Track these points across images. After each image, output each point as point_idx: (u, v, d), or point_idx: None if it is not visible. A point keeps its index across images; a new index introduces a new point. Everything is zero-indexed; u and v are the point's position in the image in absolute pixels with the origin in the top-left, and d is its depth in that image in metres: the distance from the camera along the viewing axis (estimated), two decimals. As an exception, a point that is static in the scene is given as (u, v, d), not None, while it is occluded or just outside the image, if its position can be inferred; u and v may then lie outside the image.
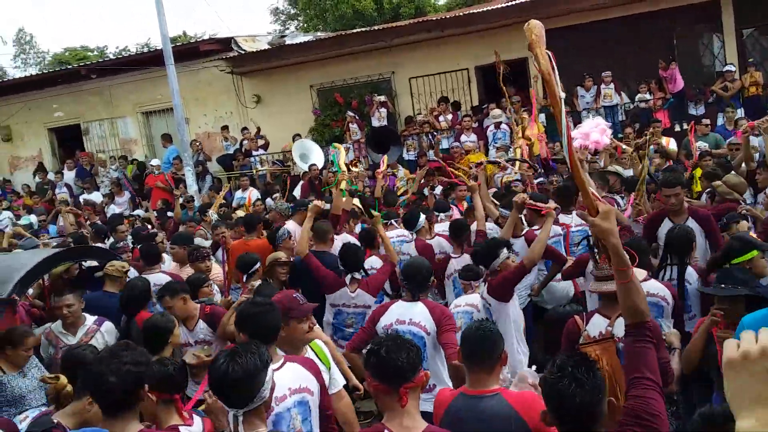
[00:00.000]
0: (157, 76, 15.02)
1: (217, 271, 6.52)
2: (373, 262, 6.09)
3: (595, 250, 3.48)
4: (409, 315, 4.35)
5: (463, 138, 12.42)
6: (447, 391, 3.12)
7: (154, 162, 14.36)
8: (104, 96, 16.96)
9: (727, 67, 12.21)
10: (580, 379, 2.26)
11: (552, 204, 5.70)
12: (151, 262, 6.30)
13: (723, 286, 3.64)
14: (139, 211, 12.48)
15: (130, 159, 16.11)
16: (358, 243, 6.13)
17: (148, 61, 15.72)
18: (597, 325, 3.66)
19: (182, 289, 4.91)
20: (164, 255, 7.12)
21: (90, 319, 5.03)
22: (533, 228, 6.05)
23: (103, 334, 4.96)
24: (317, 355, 3.54)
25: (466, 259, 5.70)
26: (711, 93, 12.14)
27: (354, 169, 11.03)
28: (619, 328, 3.35)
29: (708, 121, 10.65)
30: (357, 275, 5.38)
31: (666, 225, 5.39)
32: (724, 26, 12.92)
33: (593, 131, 7.25)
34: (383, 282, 5.58)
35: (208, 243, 7.39)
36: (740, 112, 11.26)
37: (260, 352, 2.60)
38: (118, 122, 17.08)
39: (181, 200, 11.41)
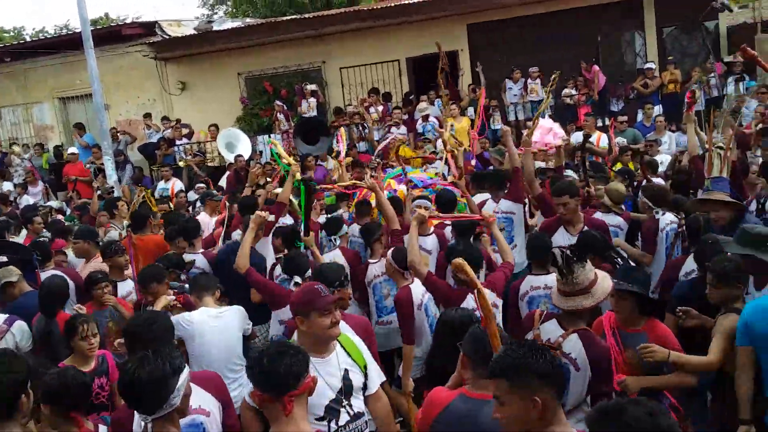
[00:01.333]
0: (76, 60, 14.39)
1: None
2: (336, 256, 5.68)
3: (564, 265, 3.42)
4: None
5: (393, 130, 12.37)
6: (443, 392, 2.89)
7: (72, 150, 13.71)
8: (19, 80, 16.13)
9: (647, 65, 12.62)
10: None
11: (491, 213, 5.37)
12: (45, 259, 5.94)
13: (621, 282, 3.64)
14: (52, 203, 11.88)
15: (45, 147, 15.36)
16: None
17: (66, 44, 15.05)
18: (549, 332, 3.54)
19: None
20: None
21: (0, 318, 4.72)
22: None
23: (14, 334, 4.64)
24: (348, 353, 3.24)
25: (383, 263, 5.14)
26: (632, 89, 12.51)
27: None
28: (569, 345, 3.39)
29: (625, 118, 10.92)
30: (299, 279, 4.84)
31: (560, 233, 5.31)
32: (646, 24, 13.35)
33: (545, 135, 7.64)
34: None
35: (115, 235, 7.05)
36: (658, 109, 11.64)
37: (172, 357, 2.58)
38: (34, 108, 16.27)
39: (99, 191, 10.91)
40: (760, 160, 7.19)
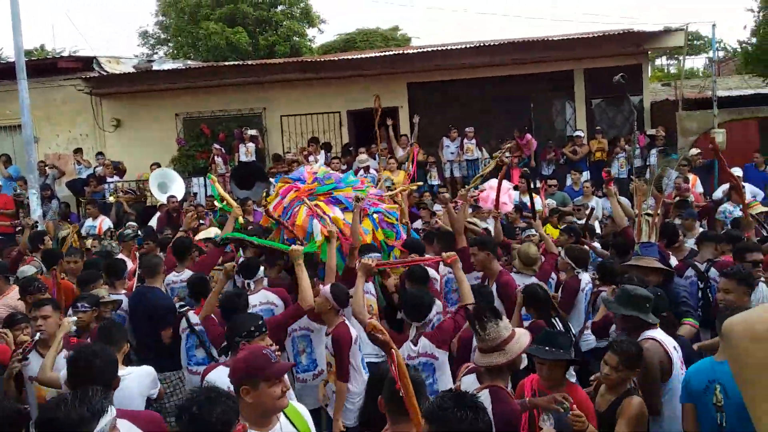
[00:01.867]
0: (6, 89, 13.92)
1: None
2: (265, 297, 5.53)
3: (476, 322, 3.46)
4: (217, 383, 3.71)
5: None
6: None
7: (-7, 182, 13.15)
8: (-59, 106, 15.44)
9: (576, 133, 13.24)
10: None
11: (451, 253, 5.25)
12: None
13: (547, 348, 3.64)
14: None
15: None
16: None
17: (-3, 72, 14.55)
18: (467, 384, 3.59)
19: None
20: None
21: None
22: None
23: None
24: (293, 424, 2.99)
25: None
26: (561, 155, 13.06)
27: (217, 204, 10.69)
28: (482, 398, 3.39)
29: (555, 181, 11.40)
30: None
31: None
32: (576, 95, 14.06)
33: (503, 194, 8.01)
34: (280, 323, 4.88)
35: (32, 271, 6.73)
36: (586, 175, 12.16)
37: (93, 400, 2.45)
38: (-43, 136, 15.57)
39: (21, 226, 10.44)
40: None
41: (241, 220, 6.06)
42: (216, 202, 7.10)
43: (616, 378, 3.72)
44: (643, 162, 12.70)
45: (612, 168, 12.47)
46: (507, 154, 12.83)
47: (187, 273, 6.22)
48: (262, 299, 5.53)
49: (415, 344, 4.42)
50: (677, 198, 9.57)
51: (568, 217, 9.33)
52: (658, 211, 6.29)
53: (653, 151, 12.53)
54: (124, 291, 5.99)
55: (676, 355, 4.00)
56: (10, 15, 12.02)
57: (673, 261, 6.23)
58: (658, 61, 26.41)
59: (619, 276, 5.55)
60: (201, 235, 8.04)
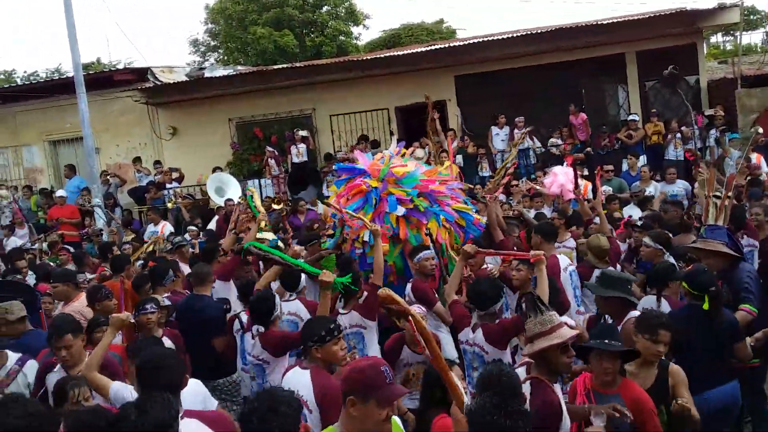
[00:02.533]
0: (66, 103, 14.48)
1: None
2: (296, 308, 5.55)
3: (531, 308, 3.47)
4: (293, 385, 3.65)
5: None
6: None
7: (60, 193, 13.70)
8: (9, 123, 16.19)
9: (631, 116, 12.92)
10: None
11: (539, 252, 5.02)
12: None
13: (607, 341, 3.61)
14: (39, 245, 11.81)
15: (35, 189, 15.34)
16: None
17: (58, 88, 15.17)
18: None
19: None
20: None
21: (12, 358, 4.66)
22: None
23: (26, 374, 4.60)
24: None
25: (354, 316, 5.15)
26: (616, 140, 12.77)
27: (276, 206, 10.88)
28: (525, 390, 3.35)
29: (611, 167, 11.15)
30: (262, 328, 4.84)
31: None
32: (629, 78, 13.72)
33: (564, 182, 8.31)
34: (281, 340, 4.79)
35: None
36: (642, 159, 11.88)
37: (170, 404, 2.57)
38: (23, 150, 16.29)
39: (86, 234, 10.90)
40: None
41: (262, 225, 6.15)
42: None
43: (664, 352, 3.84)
44: (702, 143, 12.31)
45: (668, 151, 12.15)
46: (558, 140, 12.76)
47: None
48: (291, 309, 5.53)
49: (473, 332, 4.50)
50: (748, 177, 9.24)
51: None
52: (729, 194, 6.07)
53: (712, 132, 12.13)
54: (166, 296, 5.91)
55: None
56: (67, 32, 12.54)
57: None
58: (713, 39, 25.55)
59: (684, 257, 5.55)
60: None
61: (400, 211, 6.22)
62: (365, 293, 5.16)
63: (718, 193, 6.10)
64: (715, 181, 6.33)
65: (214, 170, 13.43)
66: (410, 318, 2.87)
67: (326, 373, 3.78)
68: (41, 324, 5.26)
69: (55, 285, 6.37)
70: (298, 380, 3.69)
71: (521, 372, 3.57)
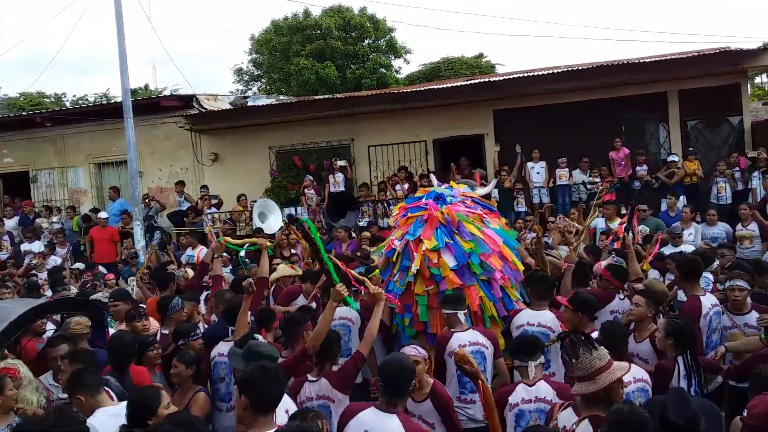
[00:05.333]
0: (113, 127, 14.92)
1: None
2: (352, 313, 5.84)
3: (569, 350, 3.46)
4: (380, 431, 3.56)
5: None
6: None
7: (101, 215, 14.04)
8: (57, 144, 16.73)
9: (671, 157, 12.72)
10: None
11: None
12: None
13: None
14: (79, 264, 12.11)
15: (78, 210, 15.76)
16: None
17: (105, 112, 15.64)
18: (564, 419, 3.56)
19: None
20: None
21: None
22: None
23: None
24: None
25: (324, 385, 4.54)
26: (656, 179, 12.60)
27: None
28: (582, 429, 3.37)
29: (645, 206, 10.92)
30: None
31: None
32: (670, 117, 13.58)
33: None
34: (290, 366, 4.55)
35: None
36: (683, 200, 11.69)
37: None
38: (69, 172, 16.78)
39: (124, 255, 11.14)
40: None
41: (271, 250, 6.26)
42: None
43: None
44: (745, 185, 12.06)
45: (711, 193, 11.94)
46: (596, 179, 12.63)
47: None
48: (343, 314, 5.76)
49: (531, 385, 4.19)
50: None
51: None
52: None
53: (755, 174, 11.89)
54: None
55: None
56: (118, 59, 12.97)
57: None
58: (757, 79, 25.18)
59: None
60: (275, 275, 7.90)
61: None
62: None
63: None
64: None
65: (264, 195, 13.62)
66: (479, 382, 2.98)
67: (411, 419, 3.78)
68: (105, 341, 5.41)
69: (115, 303, 6.54)
70: (386, 426, 3.54)
71: (567, 414, 3.53)
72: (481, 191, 6.97)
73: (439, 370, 4.90)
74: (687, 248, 9.14)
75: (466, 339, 4.93)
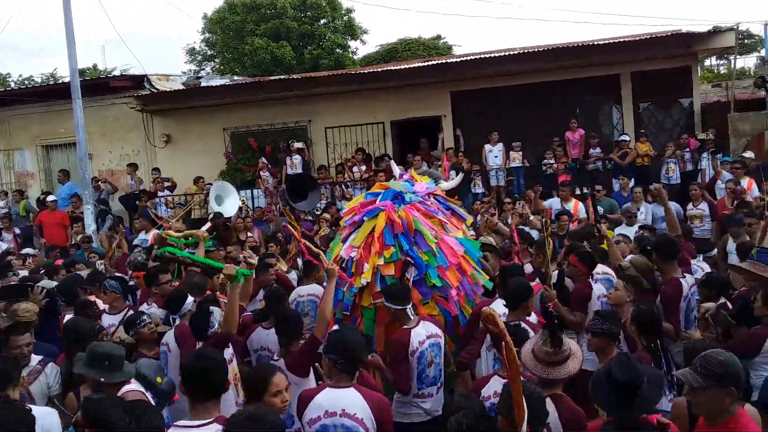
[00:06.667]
0: (61, 108, 14.46)
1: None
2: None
3: (552, 337, 3.56)
4: (340, 405, 3.59)
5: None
6: None
7: (50, 198, 13.62)
8: (2, 126, 16.15)
9: (622, 137, 12.97)
10: None
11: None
12: None
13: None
14: (28, 249, 11.74)
15: (26, 194, 15.26)
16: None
17: (53, 93, 15.13)
18: None
19: None
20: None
21: (34, 359, 4.70)
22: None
23: (47, 375, 4.65)
24: None
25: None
26: (608, 161, 12.82)
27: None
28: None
29: (600, 187, 11.13)
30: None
31: None
32: (623, 99, 13.80)
33: None
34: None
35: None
36: (633, 181, 11.89)
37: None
38: (15, 154, 16.22)
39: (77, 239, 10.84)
40: None
41: (210, 242, 6.21)
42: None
43: None
44: (694, 166, 12.37)
45: (661, 173, 12.20)
46: (551, 160, 12.78)
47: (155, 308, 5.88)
48: (310, 291, 6.00)
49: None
50: (736, 202, 9.28)
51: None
52: None
53: (704, 155, 12.19)
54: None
55: None
56: (66, 37, 12.51)
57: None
58: (707, 62, 25.75)
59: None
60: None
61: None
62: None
63: None
64: None
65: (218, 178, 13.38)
66: (503, 344, 3.04)
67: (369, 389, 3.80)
68: (59, 327, 5.27)
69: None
70: (345, 399, 3.59)
71: None
72: (446, 185, 6.65)
73: (399, 370, 4.67)
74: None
75: (423, 333, 4.76)
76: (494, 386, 3.94)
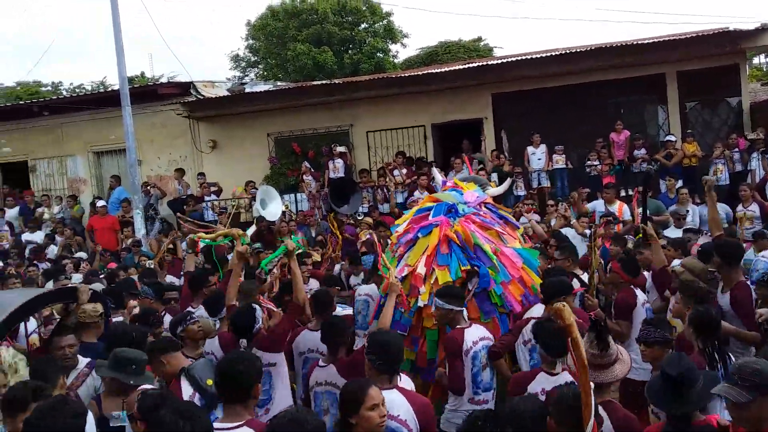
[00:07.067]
0: (111, 116, 14.89)
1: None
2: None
3: (600, 340, 3.53)
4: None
5: (416, 194, 12.51)
6: None
7: (100, 203, 14.05)
8: (55, 133, 16.69)
9: (668, 137, 12.73)
10: None
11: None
12: None
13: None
14: (81, 254, 12.14)
15: (78, 199, 15.76)
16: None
17: (103, 100, 15.60)
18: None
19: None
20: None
21: (82, 362, 4.77)
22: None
23: (95, 378, 4.69)
24: None
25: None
26: (655, 161, 12.60)
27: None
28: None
29: (643, 188, 10.87)
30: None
31: None
32: (669, 99, 13.55)
33: None
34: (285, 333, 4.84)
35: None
36: (681, 182, 11.68)
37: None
38: (68, 161, 16.76)
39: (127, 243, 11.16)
40: None
41: (245, 239, 6.29)
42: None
43: None
44: (744, 166, 12.07)
45: (709, 174, 11.94)
46: (595, 162, 12.62)
47: (202, 309, 5.78)
48: (365, 290, 6.34)
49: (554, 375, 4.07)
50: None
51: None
52: None
53: (754, 155, 11.89)
54: None
55: None
56: (115, 46, 12.90)
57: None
58: (756, 60, 25.07)
59: None
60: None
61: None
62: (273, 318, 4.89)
63: None
64: None
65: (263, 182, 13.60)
66: (570, 341, 3.00)
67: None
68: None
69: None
70: (392, 401, 3.53)
71: None
72: (493, 191, 6.51)
73: (454, 368, 4.63)
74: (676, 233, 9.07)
75: (476, 335, 4.72)
76: (542, 383, 3.91)
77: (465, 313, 4.79)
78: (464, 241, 5.24)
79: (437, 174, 7.55)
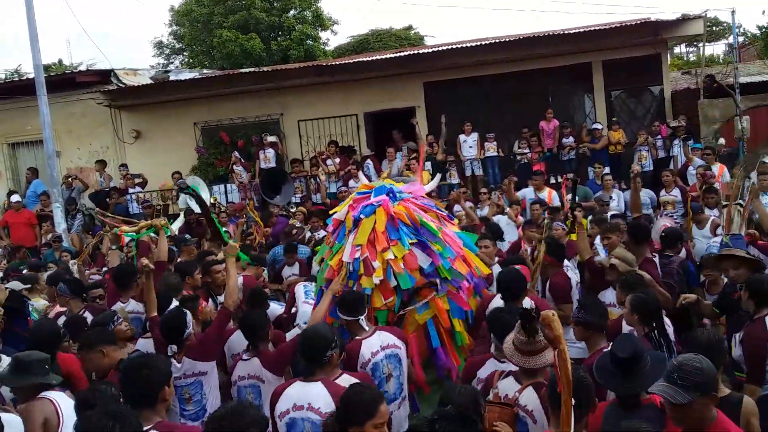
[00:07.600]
0: (26, 105, 14.11)
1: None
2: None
3: (529, 327, 3.51)
4: (307, 398, 3.59)
5: (351, 183, 12.39)
6: None
7: (14, 198, 13.31)
8: (-35, 124, 15.72)
9: (594, 125, 13.07)
10: None
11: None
12: None
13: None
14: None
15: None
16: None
17: (17, 89, 14.76)
18: (507, 388, 3.64)
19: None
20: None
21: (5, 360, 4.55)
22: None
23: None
24: None
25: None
26: (581, 146, 12.90)
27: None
28: (525, 398, 3.50)
29: (572, 175, 11.18)
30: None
31: None
32: (595, 88, 13.89)
33: None
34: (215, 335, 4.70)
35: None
36: (606, 169, 11.99)
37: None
38: (-20, 153, 15.82)
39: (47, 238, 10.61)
40: None
41: (168, 230, 6.18)
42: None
43: None
44: (666, 153, 12.52)
45: (633, 161, 12.31)
46: (525, 150, 12.81)
47: (133, 304, 5.75)
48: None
49: (502, 361, 4.10)
50: (703, 186, 9.38)
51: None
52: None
53: (676, 142, 12.34)
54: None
55: None
56: (28, 33, 12.21)
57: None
58: (677, 50, 26.08)
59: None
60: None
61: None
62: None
63: (741, 202, 6.14)
64: (739, 190, 6.39)
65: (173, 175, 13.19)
66: (556, 352, 2.86)
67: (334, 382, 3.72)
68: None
69: None
70: (311, 393, 3.60)
71: (509, 383, 3.70)
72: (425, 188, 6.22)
73: None
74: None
75: (376, 344, 4.40)
76: (490, 368, 4.00)
77: (363, 321, 4.51)
78: (410, 218, 5.10)
79: (362, 177, 7.21)
